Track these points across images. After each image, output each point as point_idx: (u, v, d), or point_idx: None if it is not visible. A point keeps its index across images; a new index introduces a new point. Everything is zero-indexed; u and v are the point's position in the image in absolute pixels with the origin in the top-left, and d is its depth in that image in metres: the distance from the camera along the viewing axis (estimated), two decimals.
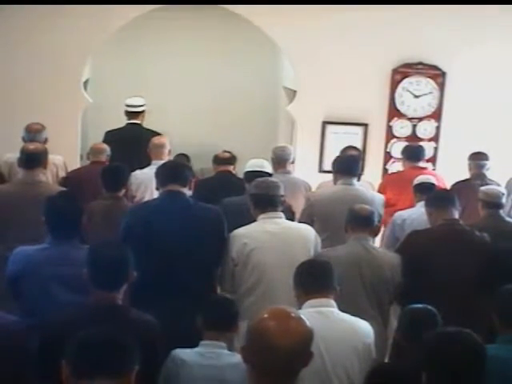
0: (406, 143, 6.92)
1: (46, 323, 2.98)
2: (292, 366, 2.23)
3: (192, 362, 3.25)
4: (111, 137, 6.71)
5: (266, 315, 2.26)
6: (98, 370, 2.15)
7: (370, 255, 4.15)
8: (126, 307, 3.05)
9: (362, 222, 4.22)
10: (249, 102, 8.80)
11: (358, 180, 5.39)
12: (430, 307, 3.31)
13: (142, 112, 7.06)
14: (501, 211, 5.09)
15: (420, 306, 3.35)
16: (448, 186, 6.01)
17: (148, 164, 6.06)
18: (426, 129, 7.13)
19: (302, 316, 2.30)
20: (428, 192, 5.08)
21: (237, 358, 3.32)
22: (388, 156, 7.14)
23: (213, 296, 3.54)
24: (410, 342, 3.18)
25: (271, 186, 4.24)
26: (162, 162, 5.31)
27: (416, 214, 5.19)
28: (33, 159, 4.85)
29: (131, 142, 6.55)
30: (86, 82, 7.21)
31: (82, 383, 2.16)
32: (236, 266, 4.07)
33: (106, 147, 6.03)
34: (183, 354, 3.27)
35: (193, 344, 3.34)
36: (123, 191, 4.99)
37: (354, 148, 6.29)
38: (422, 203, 5.03)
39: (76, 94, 6.79)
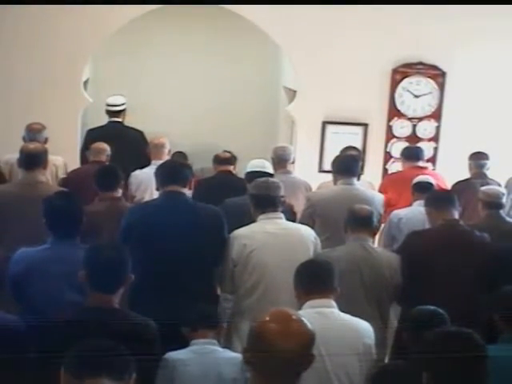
0: (406, 143, 6.94)
1: (43, 325, 2.97)
2: (293, 369, 2.23)
3: (187, 360, 3.26)
4: (93, 135, 6.72)
5: (267, 318, 2.26)
6: (99, 370, 2.14)
7: (370, 255, 4.14)
8: (123, 310, 3.05)
9: (362, 222, 4.22)
10: (249, 102, 8.80)
11: (358, 180, 5.39)
12: (438, 309, 3.31)
13: (123, 110, 7.09)
14: (501, 211, 5.09)
15: (427, 308, 3.35)
16: (448, 186, 6.01)
17: (133, 161, 6.07)
18: (425, 129, 7.13)
19: (304, 318, 2.30)
20: (425, 191, 5.09)
21: (230, 353, 3.34)
22: (388, 156, 7.14)
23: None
24: (414, 345, 3.17)
25: (271, 186, 4.24)
26: (162, 161, 5.30)
27: (412, 213, 5.21)
28: (33, 159, 4.84)
29: (113, 140, 6.54)
30: (85, 82, 7.21)
31: (85, 382, 2.16)
32: (236, 266, 4.07)
33: (107, 147, 6.01)
34: (176, 354, 3.28)
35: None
36: (120, 191, 4.96)
37: (354, 148, 6.29)
38: (419, 202, 5.04)
39: (76, 93, 6.78)
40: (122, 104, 7.10)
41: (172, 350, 3.31)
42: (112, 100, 7.08)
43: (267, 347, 2.18)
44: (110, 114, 7.07)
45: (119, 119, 7.07)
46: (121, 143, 6.39)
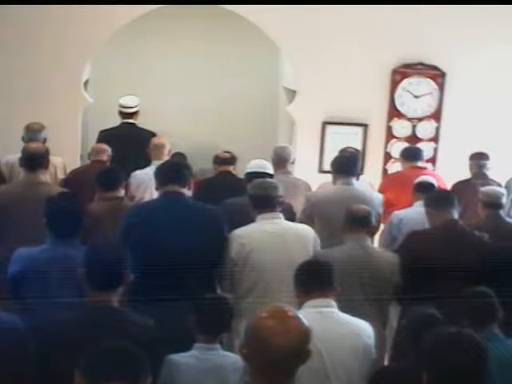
0: (405, 143, 6.94)
1: (41, 324, 2.98)
2: (289, 364, 2.24)
3: (189, 366, 3.22)
4: (105, 136, 6.73)
5: (263, 314, 2.28)
6: (116, 374, 2.14)
7: (368, 255, 4.16)
8: (122, 309, 3.04)
9: (359, 222, 4.23)
10: (249, 102, 8.80)
11: (357, 180, 5.40)
12: (433, 311, 3.31)
13: (136, 112, 7.08)
14: (501, 211, 5.09)
15: (424, 309, 3.35)
16: (448, 186, 6.02)
17: (144, 163, 6.07)
18: (425, 129, 7.13)
19: (300, 315, 2.31)
20: (427, 191, 5.09)
21: (233, 357, 3.32)
22: (388, 156, 7.14)
23: (206, 297, 3.50)
24: (414, 345, 3.17)
25: (269, 186, 4.25)
26: (162, 162, 5.31)
27: (413, 214, 5.20)
28: (35, 160, 4.84)
29: (126, 142, 6.57)
30: (86, 82, 7.21)
31: None
32: (235, 266, 4.08)
33: (107, 147, 6.02)
34: (179, 358, 3.25)
35: (190, 346, 3.33)
36: (122, 191, 4.97)
37: (352, 149, 6.30)
38: (420, 203, 5.04)
39: (76, 94, 6.79)
40: (136, 106, 7.09)
41: (176, 351, 3.30)
42: (125, 101, 7.07)
43: (263, 343, 2.20)
44: (123, 115, 7.06)
45: (132, 120, 7.06)
46: (133, 145, 6.40)
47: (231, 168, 5.95)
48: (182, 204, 4.07)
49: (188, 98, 8.73)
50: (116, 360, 2.18)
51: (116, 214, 4.42)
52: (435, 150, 7.15)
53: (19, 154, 5.01)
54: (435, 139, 7.15)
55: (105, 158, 5.92)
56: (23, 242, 3.74)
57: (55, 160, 5.74)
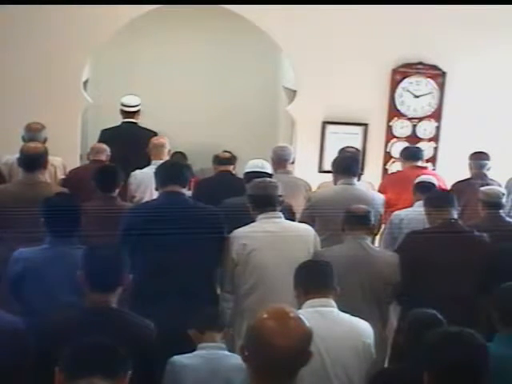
0: (406, 143, 6.94)
1: (41, 325, 2.97)
2: (291, 366, 2.24)
3: (195, 366, 3.22)
4: (107, 135, 6.74)
5: (265, 315, 2.27)
6: (93, 369, 2.15)
7: (368, 255, 4.15)
8: (120, 310, 3.05)
9: (358, 221, 4.23)
10: (249, 102, 8.80)
11: (358, 180, 5.40)
12: (434, 312, 3.30)
13: (138, 111, 7.08)
14: (501, 211, 5.09)
15: (424, 310, 3.34)
16: (448, 185, 6.02)
17: (145, 163, 6.07)
18: (425, 129, 7.13)
19: (301, 316, 2.30)
20: (427, 191, 5.09)
21: (238, 357, 3.31)
22: (388, 156, 7.14)
23: (206, 297, 3.48)
24: (414, 345, 3.16)
25: (269, 186, 4.25)
26: (162, 161, 5.30)
27: (413, 214, 5.20)
28: (33, 160, 4.84)
29: (127, 141, 6.57)
30: (85, 82, 7.21)
31: (79, 382, 2.16)
32: (236, 266, 4.07)
33: (106, 146, 6.03)
34: (184, 359, 3.24)
35: (191, 346, 3.33)
36: (116, 191, 4.97)
37: (352, 148, 6.30)
38: (420, 202, 5.03)
39: (76, 93, 6.78)
40: (137, 105, 7.09)
41: (176, 352, 3.29)
42: (126, 100, 7.07)
43: (264, 344, 2.19)
44: (124, 114, 7.06)
45: (133, 120, 7.06)
46: (134, 144, 6.41)
47: (231, 168, 5.95)
48: (182, 204, 4.06)
49: (188, 97, 8.73)
50: (93, 355, 2.20)
51: (106, 213, 4.41)
52: (435, 149, 7.16)
53: (18, 154, 5.01)
54: (435, 139, 7.15)
55: (104, 157, 5.93)
56: (22, 242, 3.74)
57: (55, 160, 5.73)
